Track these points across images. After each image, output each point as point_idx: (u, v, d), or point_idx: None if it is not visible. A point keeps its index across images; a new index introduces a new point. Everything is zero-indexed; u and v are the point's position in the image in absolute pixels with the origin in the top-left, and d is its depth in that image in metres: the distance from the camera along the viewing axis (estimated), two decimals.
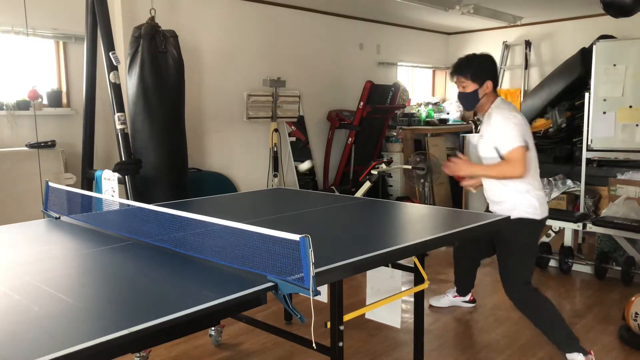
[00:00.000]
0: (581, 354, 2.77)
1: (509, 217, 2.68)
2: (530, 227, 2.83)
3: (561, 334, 2.81)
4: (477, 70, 2.86)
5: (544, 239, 4.55)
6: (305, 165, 2.68)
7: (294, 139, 6.18)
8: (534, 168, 2.86)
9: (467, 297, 3.69)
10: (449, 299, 3.68)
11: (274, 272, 1.63)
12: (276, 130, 5.78)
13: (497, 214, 2.83)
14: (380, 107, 6.32)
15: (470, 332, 3.31)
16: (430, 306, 3.66)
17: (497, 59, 7.59)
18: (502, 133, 2.76)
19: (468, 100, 2.92)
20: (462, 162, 2.91)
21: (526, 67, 7.37)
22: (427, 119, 7.25)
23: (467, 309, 3.67)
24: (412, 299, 2.63)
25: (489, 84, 2.86)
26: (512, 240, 2.85)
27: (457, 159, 2.93)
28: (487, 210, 3.08)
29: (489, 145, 2.84)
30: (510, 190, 2.83)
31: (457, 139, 7.50)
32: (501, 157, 2.78)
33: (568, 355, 2.81)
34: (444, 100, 8.09)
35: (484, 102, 2.90)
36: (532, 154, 2.85)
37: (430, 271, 2.88)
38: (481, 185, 3.05)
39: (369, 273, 2.69)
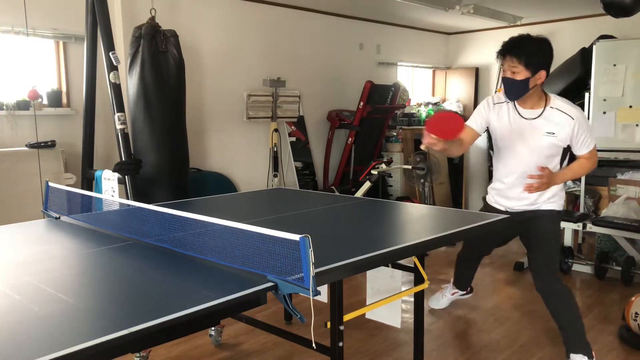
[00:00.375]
0: (586, 357, 2.78)
1: (509, 217, 2.67)
2: (559, 217, 2.86)
3: (578, 332, 2.80)
4: (534, 55, 2.53)
5: None
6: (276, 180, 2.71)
7: (294, 139, 6.18)
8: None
9: (465, 290, 3.68)
10: (448, 297, 3.66)
11: (274, 272, 1.63)
12: (276, 130, 5.78)
13: (541, 208, 2.79)
14: (380, 107, 6.32)
15: (470, 332, 3.31)
16: (431, 309, 3.66)
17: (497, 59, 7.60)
18: (586, 132, 2.65)
19: (515, 89, 2.58)
20: (548, 175, 2.60)
21: None
22: (427, 119, 7.24)
23: (467, 308, 3.67)
24: (412, 299, 2.63)
25: (542, 74, 2.55)
26: (553, 230, 2.83)
27: (543, 174, 2.59)
28: (485, 202, 3.07)
29: (561, 144, 2.67)
30: (558, 185, 2.76)
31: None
32: (567, 154, 2.71)
33: (573, 356, 2.80)
34: (444, 100, 8.09)
35: (531, 93, 2.60)
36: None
37: (430, 271, 2.88)
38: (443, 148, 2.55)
39: (369, 273, 2.69)
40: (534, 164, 2.68)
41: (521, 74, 2.54)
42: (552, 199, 2.80)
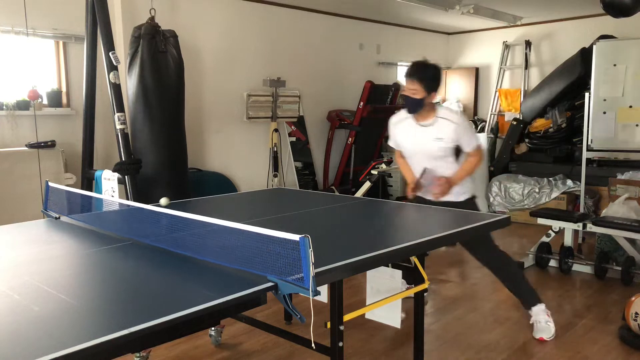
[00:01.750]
0: (543, 305, 3.20)
1: (509, 217, 2.67)
2: (473, 202, 3.31)
3: (527, 289, 3.25)
4: (431, 80, 3.08)
5: (544, 238, 4.55)
6: (163, 202, 2.79)
7: (294, 139, 6.18)
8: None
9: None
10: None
11: (274, 272, 1.63)
12: (276, 130, 5.78)
13: (454, 200, 3.18)
14: (380, 107, 6.32)
15: (470, 332, 3.31)
16: (430, 310, 3.66)
17: (497, 59, 7.61)
18: (468, 132, 3.16)
19: (414, 105, 3.12)
20: (445, 181, 3.12)
21: (526, 67, 7.37)
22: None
23: (467, 308, 3.67)
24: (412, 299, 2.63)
25: (433, 95, 3.12)
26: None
27: (441, 182, 3.12)
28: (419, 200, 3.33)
29: (449, 145, 3.13)
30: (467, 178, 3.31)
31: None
32: (457, 153, 3.17)
33: (534, 309, 3.20)
34: (444, 100, 8.09)
35: (426, 109, 3.14)
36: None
37: (430, 271, 2.89)
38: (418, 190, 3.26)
39: (369, 273, 2.69)
40: (431, 163, 3.19)
41: (419, 93, 3.06)
42: (467, 191, 3.26)
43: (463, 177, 3.20)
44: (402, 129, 3.30)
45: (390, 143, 3.43)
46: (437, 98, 3.28)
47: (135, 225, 2.28)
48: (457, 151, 3.24)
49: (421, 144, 3.20)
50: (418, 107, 3.12)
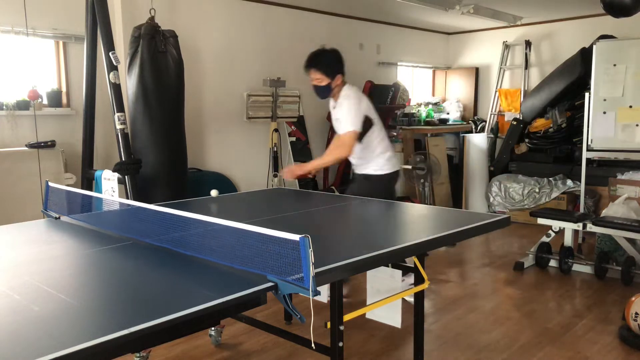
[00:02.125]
0: None
1: (509, 217, 2.67)
2: (380, 180, 3.49)
3: None
4: (329, 66, 3.29)
5: (544, 239, 4.55)
6: (213, 193, 3.04)
7: (294, 139, 6.18)
8: (380, 138, 3.48)
9: None
10: None
11: (273, 272, 1.63)
12: (276, 130, 5.78)
13: (360, 173, 3.54)
14: (380, 107, 6.31)
15: (470, 332, 3.31)
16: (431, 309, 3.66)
17: (497, 59, 7.61)
18: (345, 113, 3.29)
19: (323, 92, 3.35)
20: (294, 167, 3.46)
21: (526, 67, 7.37)
22: (427, 119, 7.25)
23: (467, 308, 3.67)
24: (412, 299, 2.63)
25: (339, 78, 3.32)
26: (371, 192, 3.33)
27: (288, 168, 3.50)
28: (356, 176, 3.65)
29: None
30: (368, 154, 3.50)
31: (457, 138, 7.51)
32: (365, 130, 3.36)
33: None
34: (444, 100, 8.09)
35: (335, 92, 3.36)
36: (376, 127, 3.44)
37: (430, 271, 2.89)
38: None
39: (369, 273, 2.69)
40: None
41: (323, 81, 3.30)
42: (370, 167, 3.52)
43: (317, 166, 3.52)
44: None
45: None
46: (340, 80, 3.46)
47: (135, 225, 2.28)
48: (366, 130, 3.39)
49: (334, 126, 3.46)
50: (325, 93, 3.35)
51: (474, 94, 7.92)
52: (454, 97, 8.02)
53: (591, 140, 5.06)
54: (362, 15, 6.69)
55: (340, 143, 3.33)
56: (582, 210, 5.22)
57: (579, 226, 4.37)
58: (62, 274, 1.78)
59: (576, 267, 4.45)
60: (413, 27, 7.51)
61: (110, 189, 3.79)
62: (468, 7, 5.90)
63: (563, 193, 5.96)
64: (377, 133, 3.47)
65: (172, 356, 2.98)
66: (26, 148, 4.04)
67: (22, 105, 4.13)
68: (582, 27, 6.79)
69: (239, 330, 3.28)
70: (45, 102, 4.35)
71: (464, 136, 6.98)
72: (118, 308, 1.46)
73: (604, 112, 5.05)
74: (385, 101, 6.43)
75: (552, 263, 4.55)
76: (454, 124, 7.52)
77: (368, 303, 2.62)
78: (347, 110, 3.28)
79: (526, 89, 7.35)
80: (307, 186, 6.22)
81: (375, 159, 3.49)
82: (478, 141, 6.78)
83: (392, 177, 3.57)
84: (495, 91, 7.64)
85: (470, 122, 7.71)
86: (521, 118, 6.78)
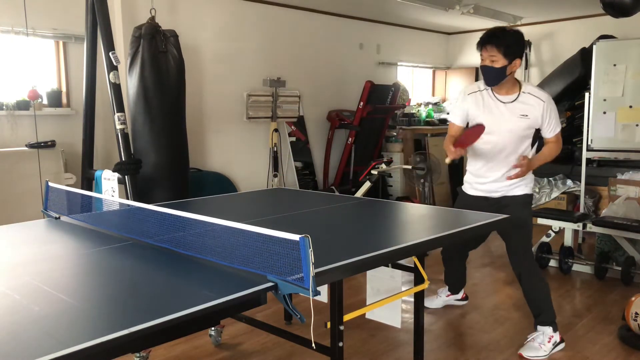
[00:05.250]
0: (551, 327, 2.98)
1: (509, 217, 2.67)
2: (531, 200, 3.08)
3: (549, 308, 3.02)
4: (512, 45, 2.76)
5: (544, 239, 4.55)
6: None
7: (294, 139, 6.18)
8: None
9: (460, 295, 3.71)
10: (443, 299, 3.70)
11: (274, 272, 1.62)
12: (276, 130, 5.78)
13: (502, 191, 3.01)
14: (380, 107, 6.32)
15: (470, 332, 3.31)
16: (425, 308, 3.66)
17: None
18: (554, 115, 2.89)
19: (495, 76, 2.80)
20: (527, 163, 2.85)
21: (526, 67, 7.37)
22: (427, 119, 7.26)
23: (467, 308, 3.67)
24: (412, 299, 2.63)
25: (517, 62, 2.80)
26: (524, 214, 3.00)
27: (522, 162, 2.84)
28: (460, 192, 3.23)
29: (533, 125, 2.89)
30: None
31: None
32: (537, 137, 2.91)
33: (540, 327, 3.01)
34: (444, 100, 8.09)
35: (507, 80, 2.84)
36: None
37: (430, 271, 2.89)
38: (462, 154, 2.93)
39: (369, 273, 2.69)
40: (509, 145, 2.91)
41: (499, 62, 2.77)
42: (521, 183, 3.00)
43: (542, 162, 2.98)
44: (476, 102, 2.95)
45: (452, 117, 3.08)
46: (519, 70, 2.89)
47: (135, 225, 2.28)
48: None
49: (501, 121, 2.87)
50: (499, 78, 2.80)
51: None
52: (454, 97, 8.02)
53: (591, 140, 5.06)
54: (362, 15, 6.69)
55: (559, 139, 2.95)
56: (582, 210, 5.21)
57: (579, 226, 4.37)
58: (62, 274, 1.78)
59: (576, 267, 4.44)
60: (413, 27, 7.51)
61: (110, 189, 3.79)
62: (468, 7, 5.90)
63: (563, 193, 5.96)
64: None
65: (172, 356, 2.98)
66: (26, 148, 4.04)
67: (22, 105, 4.13)
68: (582, 27, 6.79)
69: (239, 330, 3.28)
70: (45, 102, 4.35)
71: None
72: (118, 308, 1.46)
73: (604, 112, 5.05)
74: (385, 101, 6.43)
75: (552, 263, 4.55)
76: None
77: (368, 303, 2.62)
78: (554, 109, 2.89)
79: None
80: (307, 186, 6.22)
81: (530, 175, 3.02)
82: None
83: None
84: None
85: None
86: None
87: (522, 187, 3.01)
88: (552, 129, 2.93)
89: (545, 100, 2.86)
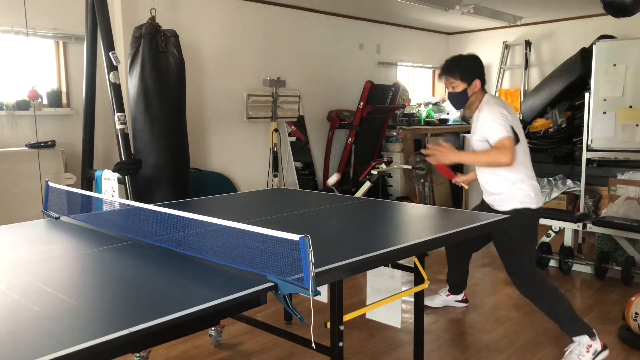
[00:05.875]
0: (586, 336, 2.85)
1: (509, 217, 2.68)
2: (525, 217, 2.86)
3: (570, 317, 2.88)
4: (465, 70, 2.92)
5: (544, 238, 4.55)
6: (333, 179, 2.86)
7: (294, 139, 6.18)
8: (526, 158, 2.93)
9: (460, 297, 3.71)
10: (443, 298, 3.70)
11: (274, 272, 1.63)
12: (276, 130, 5.78)
13: (492, 205, 2.97)
14: (380, 107, 6.32)
15: (470, 332, 3.31)
16: (425, 306, 3.66)
17: (497, 59, 7.61)
18: (491, 125, 2.80)
19: (458, 100, 2.98)
20: (446, 149, 2.89)
21: (526, 67, 7.37)
22: (427, 119, 7.25)
23: (467, 309, 3.67)
24: (412, 299, 2.64)
25: (477, 83, 2.92)
26: (510, 232, 2.87)
27: (440, 147, 2.90)
28: (482, 202, 3.12)
29: (481, 140, 2.88)
30: (505, 181, 2.89)
31: (457, 139, 7.50)
32: (491, 147, 2.83)
33: (576, 338, 2.87)
34: (444, 100, 8.08)
35: (472, 100, 2.96)
36: (522, 145, 2.90)
37: (430, 271, 2.89)
38: (473, 180, 3.16)
39: (369, 273, 2.69)
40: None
41: (459, 87, 2.93)
42: (508, 198, 2.89)
43: (471, 162, 3.01)
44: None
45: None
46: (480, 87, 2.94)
47: (135, 225, 2.28)
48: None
49: (471, 139, 3.01)
50: (463, 101, 2.96)
51: None
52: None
53: (591, 140, 5.06)
54: (362, 15, 6.69)
55: (499, 145, 2.73)
56: (582, 210, 5.21)
57: (579, 226, 4.37)
58: (62, 274, 1.78)
59: (576, 267, 4.45)
60: (413, 27, 7.51)
61: (110, 189, 3.79)
62: (468, 7, 5.90)
63: (563, 193, 5.96)
64: (522, 153, 2.88)
65: (172, 356, 2.98)
66: (26, 148, 4.04)
67: (22, 105, 4.13)
68: (582, 27, 6.79)
69: (239, 330, 3.28)
70: (45, 102, 4.35)
71: (464, 136, 6.98)
72: (118, 308, 1.46)
73: (604, 112, 5.05)
74: (385, 101, 6.43)
75: (552, 263, 4.55)
76: (454, 124, 7.52)
77: (368, 303, 2.62)
78: (491, 116, 2.79)
79: (526, 89, 7.35)
80: (307, 186, 6.22)
81: (521, 185, 2.87)
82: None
83: (540, 214, 2.95)
84: (496, 91, 7.63)
85: (470, 122, 7.71)
86: (521, 118, 6.77)
87: (510, 201, 2.87)
88: (490, 137, 2.80)
89: (483, 111, 2.88)
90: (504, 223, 2.60)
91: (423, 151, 3.08)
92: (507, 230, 2.84)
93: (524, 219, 2.86)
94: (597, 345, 2.85)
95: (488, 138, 2.82)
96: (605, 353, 2.87)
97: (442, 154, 2.90)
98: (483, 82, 2.95)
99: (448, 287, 3.71)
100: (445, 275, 3.75)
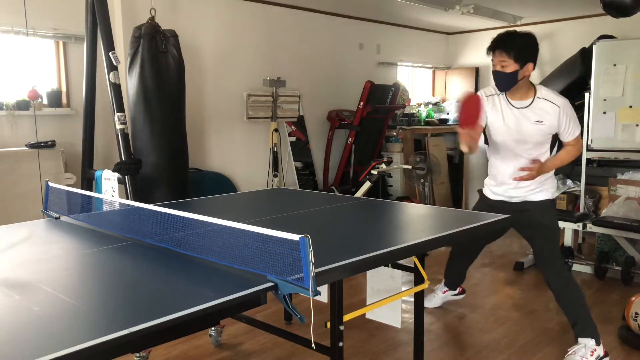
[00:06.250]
0: (593, 340, 2.85)
1: (509, 217, 2.67)
2: (554, 205, 3.02)
3: (585, 316, 2.91)
4: (522, 49, 2.70)
5: None
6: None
7: (294, 139, 6.18)
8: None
9: (456, 291, 3.71)
10: (440, 296, 3.69)
11: (274, 272, 1.63)
12: (276, 130, 5.78)
13: (526, 197, 2.93)
14: (380, 107, 6.32)
15: (470, 332, 3.31)
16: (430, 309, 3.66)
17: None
18: (571, 119, 2.79)
19: (506, 81, 2.74)
20: (538, 166, 2.78)
21: None
22: (427, 119, 7.25)
23: (467, 308, 3.67)
24: (412, 299, 2.64)
25: (530, 67, 2.74)
26: (546, 218, 2.95)
27: (532, 166, 2.79)
28: (482, 201, 3.13)
29: (549, 131, 2.81)
30: (546, 174, 2.92)
31: (457, 139, 7.50)
32: (555, 141, 2.88)
33: (580, 340, 2.88)
34: (444, 100, 8.09)
35: (521, 85, 2.77)
36: None
37: (430, 271, 2.89)
38: (477, 139, 2.84)
39: (369, 273, 2.69)
40: (525, 152, 2.86)
41: (510, 67, 2.70)
42: (542, 189, 2.94)
43: (557, 165, 2.92)
44: (493, 106, 2.88)
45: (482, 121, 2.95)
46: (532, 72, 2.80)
47: (135, 225, 2.28)
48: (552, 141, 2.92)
49: (516, 127, 2.80)
50: (510, 84, 2.73)
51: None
52: (454, 97, 8.02)
53: (591, 140, 5.06)
54: (362, 15, 6.69)
55: (579, 139, 2.86)
56: (582, 210, 5.21)
57: (579, 226, 4.37)
58: (62, 274, 1.78)
59: (576, 267, 4.45)
60: (413, 27, 7.51)
61: (110, 189, 3.79)
62: (468, 7, 5.90)
63: (563, 193, 5.96)
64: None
65: (172, 356, 2.98)
66: (26, 148, 4.04)
67: (22, 105, 4.13)
68: (582, 27, 6.79)
69: (239, 330, 3.28)
70: (45, 102, 4.35)
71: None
72: (118, 308, 1.46)
73: (604, 112, 5.05)
74: (385, 101, 6.43)
75: None
76: (454, 124, 7.52)
77: (368, 303, 2.62)
78: (571, 111, 2.78)
79: None
80: (307, 186, 6.22)
81: (550, 179, 2.96)
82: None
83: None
84: None
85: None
86: None
87: (543, 192, 2.94)
88: (570, 132, 2.83)
89: (561, 105, 2.77)
90: (504, 222, 2.60)
91: (515, 178, 2.85)
92: (548, 220, 2.95)
93: (554, 207, 3.01)
94: (600, 351, 2.86)
95: (568, 131, 2.81)
96: None
97: (536, 171, 2.79)
98: (534, 67, 2.77)
99: (443, 282, 3.69)
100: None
